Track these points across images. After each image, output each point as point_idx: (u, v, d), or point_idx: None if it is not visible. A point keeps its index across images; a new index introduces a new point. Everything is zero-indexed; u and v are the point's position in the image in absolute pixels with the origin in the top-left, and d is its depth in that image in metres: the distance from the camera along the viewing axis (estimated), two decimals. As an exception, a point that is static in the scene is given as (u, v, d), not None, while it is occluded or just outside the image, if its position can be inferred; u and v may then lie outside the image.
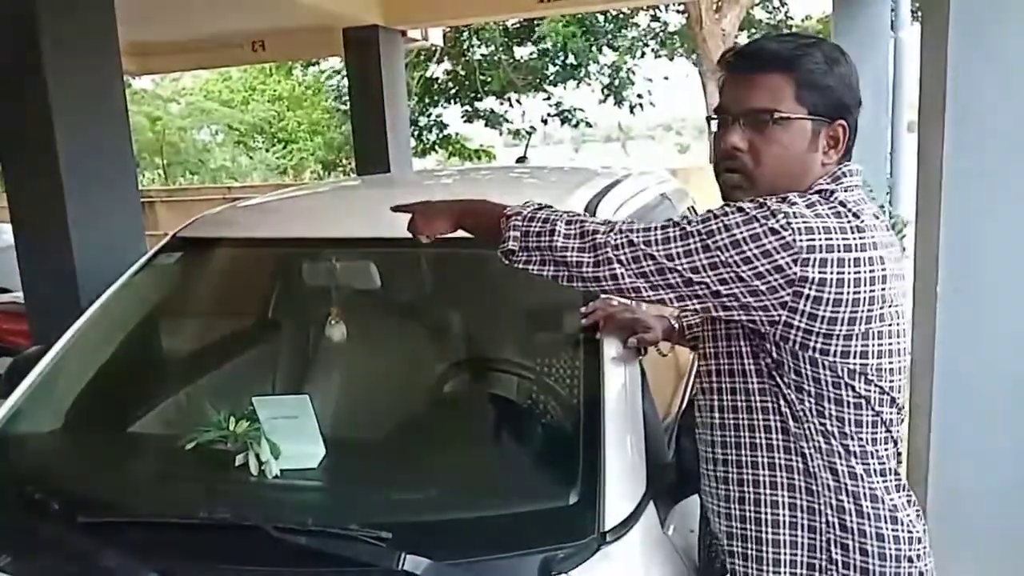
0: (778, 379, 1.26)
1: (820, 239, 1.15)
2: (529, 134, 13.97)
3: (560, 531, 1.34)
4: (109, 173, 3.79)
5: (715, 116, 1.33)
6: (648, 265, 1.22)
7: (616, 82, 13.52)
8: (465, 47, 13.56)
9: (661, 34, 14.02)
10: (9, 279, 5.22)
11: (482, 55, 13.73)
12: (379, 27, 6.97)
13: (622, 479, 1.43)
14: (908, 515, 1.27)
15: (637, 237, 1.24)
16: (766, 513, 1.30)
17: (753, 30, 13.19)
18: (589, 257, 1.26)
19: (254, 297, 2.47)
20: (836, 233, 1.17)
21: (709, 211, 1.24)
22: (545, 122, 14.00)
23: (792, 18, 13.46)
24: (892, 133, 6.15)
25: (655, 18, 13.82)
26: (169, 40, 8.50)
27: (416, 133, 14.03)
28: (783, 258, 1.14)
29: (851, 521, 1.25)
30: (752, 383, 1.30)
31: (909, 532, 1.26)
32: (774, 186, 1.27)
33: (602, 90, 13.66)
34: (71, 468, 1.77)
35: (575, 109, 13.91)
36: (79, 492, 1.57)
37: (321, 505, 1.57)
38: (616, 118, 15.92)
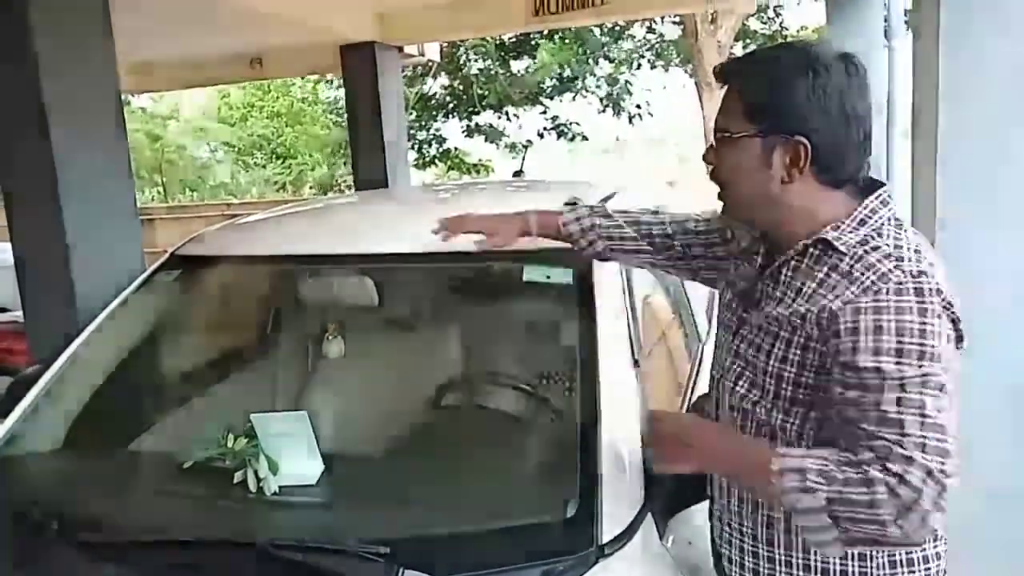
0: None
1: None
2: (525, 148, 14.00)
3: (558, 544, 1.34)
4: (108, 192, 3.80)
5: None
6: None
7: (614, 93, 13.57)
8: (461, 62, 13.62)
9: (657, 45, 14.07)
10: (8, 299, 5.22)
11: (479, 69, 13.79)
12: (375, 43, 7.01)
13: (620, 491, 1.43)
14: None
15: (937, 461, 1.05)
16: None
17: (748, 40, 13.24)
18: (905, 524, 1.05)
19: (252, 314, 2.48)
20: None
21: (903, 339, 1.09)
22: (541, 136, 14.03)
23: (787, 28, 13.51)
24: (887, 140, 6.17)
25: (651, 30, 13.88)
26: (167, 58, 8.55)
27: (415, 147, 14.07)
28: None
29: None
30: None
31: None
32: (738, 206, 1.28)
33: (601, 100, 13.71)
34: (71, 488, 1.77)
35: (571, 123, 13.96)
36: (79, 512, 1.57)
37: (319, 521, 1.58)
38: (613, 130, 15.96)
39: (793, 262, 1.24)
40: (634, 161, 20.94)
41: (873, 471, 1.05)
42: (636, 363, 1.70)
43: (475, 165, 14.81)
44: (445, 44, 11.56)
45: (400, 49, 7.52)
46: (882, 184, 1.26)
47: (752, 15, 12.69)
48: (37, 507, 1.56)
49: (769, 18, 13.37)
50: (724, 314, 1.42)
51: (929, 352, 1.09)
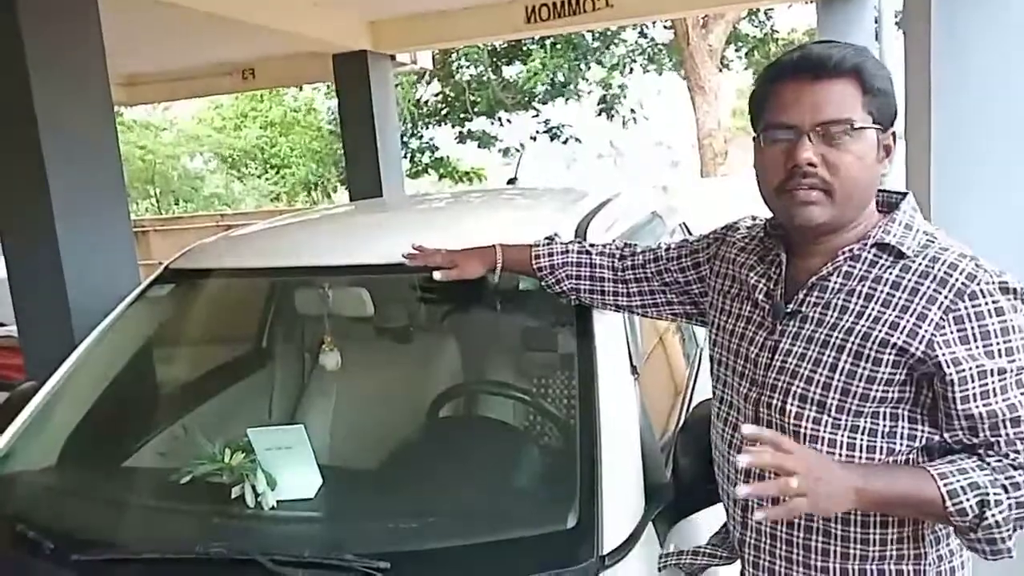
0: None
1: None
2: (519, 151, 14.03)
3: (559, 555, 1.33)
4: (101, 205, 3.79)
5: (777, 130, 1.21)
6: None
7: (608, 96, 13.62)
8: (454, 68, 13.65)
9: (649, 50, 14.11)
10: (3, 313, 5.20)
11: (471, 76, 13.82)
12: (368, 52, 7.02)
13: (620, 501, 1.43)
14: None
15: None
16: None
17: (740, 44, 13.29)
18: None
19: (247, 327, 2.47)
20: None
21: (1011, 338, 1.13)
22: (534, 139, 14.07)
23: (778, 31, 13.57)
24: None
25: (642, 34, 13.92)
26: (159, 70, 8.56)
27: (408, 156, 14.09)
28: None
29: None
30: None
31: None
32: (850, 200, 1.20)
33: (596, 104, 13.76)
34: (66, 505, 1.75)
35: (563, 126, 13.99)
36: (74, 529, 1.56)
37: (318, 535, 1.56)
38: (607, 134, 16.01)
39: (845, 267, 1.23)
40: (629, 165, 20.97)
41: None
42: (635, 370, 1.69)
43: (467, 173, 14.83)
44: (437, 52, 11.59)
45: (392, 57, 7.54)
46: (905, 193, 1.28)
47: (743, 18, 12.74)
48: (32, 525, 1.54)
49: (760, 21, 13.42)
50: (746, 330, 1.34)
51: None
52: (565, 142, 14.37)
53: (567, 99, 13.73)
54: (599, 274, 1.63)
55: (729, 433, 1.38)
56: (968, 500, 1.10)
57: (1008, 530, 1.13)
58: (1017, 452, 1.13)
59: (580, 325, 1.69)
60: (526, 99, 13.79)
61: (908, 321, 1.16)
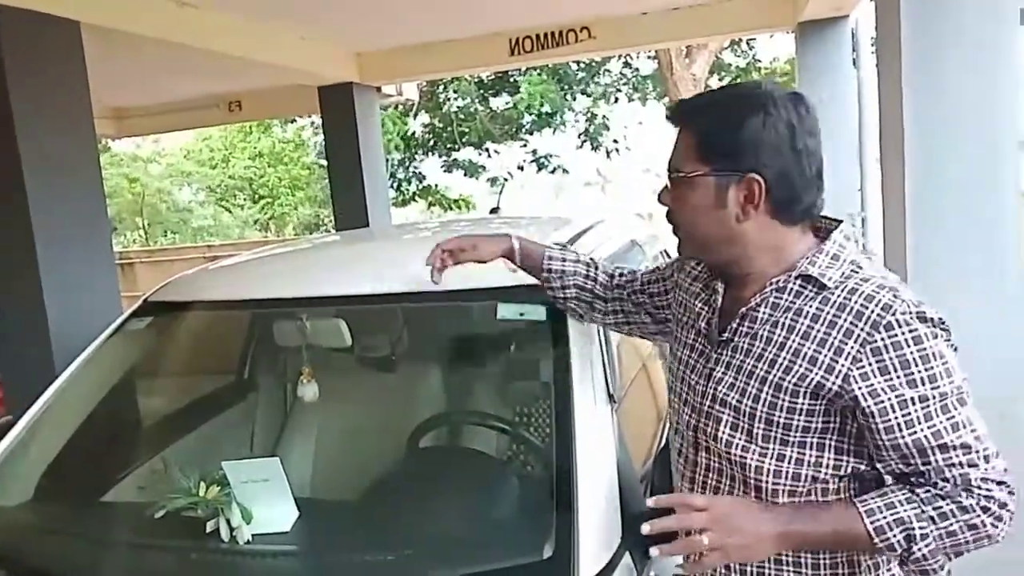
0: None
1: None
2: (503, 184, 14.11)
3: (535, 586, 1.33)
4: (83, 238, 3.79)
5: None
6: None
7: (591, 128, 13.74)
8: (441, 100, 13.76)
9: (634, 79, 14.26)
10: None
11: (458, 107, 13.92)
12: (354, 84, 7.07)
13: (597, 531, 1.42)
14: None
15: (1000, 464, 1.14)
16: None
17: (723, 74, 13.45)
18: (1002, 528, 1.14)
19: (226, 359, 2.46)
20: None
21: (931, 365, 1.13)
22: (521, 169, 14.15)
23: (760, 61, 13.74)
24: (861, 167, 6.26)
25: (627, 65, 14.08)
26: (146, 103, 8.59)
27: (396, 185, 14.14)
28: None
29: None
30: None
31: None
32: (702, 244, 1.26)
33: (579, 136, 13.86)
34: (40, 541, 1.73)
35: (550, 156, 14.10)
36: (47, 566, 1.54)
37: (293, 569, 1.55)
38: (594, 163, 16.12)
39: (772, 298, 1.24)
40: (615, 194, 21.10)
41: (963, 499, 1.12)
42: (612, 399, 1.69)
43: (456, 201, 14.88)
44: (424, 83, 11.69)
45: (378, 89, 7.59)
46: (839, 221, 1.28)
47: (725, 48, 12.90)
48: (6, 562, 1.52)
49: (743, 51, 13.60)
50: (689, 357, 1.36)
51: (952, 367, 1.14)
52: (552, 172, 14.47)
53: (554, 130, 13.85)
54: (599, 292, 1.63)
55: (681, 463, 1.39)
56: (895, 536, 1.12)
57: (936, 561, 1.14)
58: (946, 480, 1.13)
59: (557, 354, 1.69)
60: (513, 130, 13.90)
61: (825, 356, 1.16)
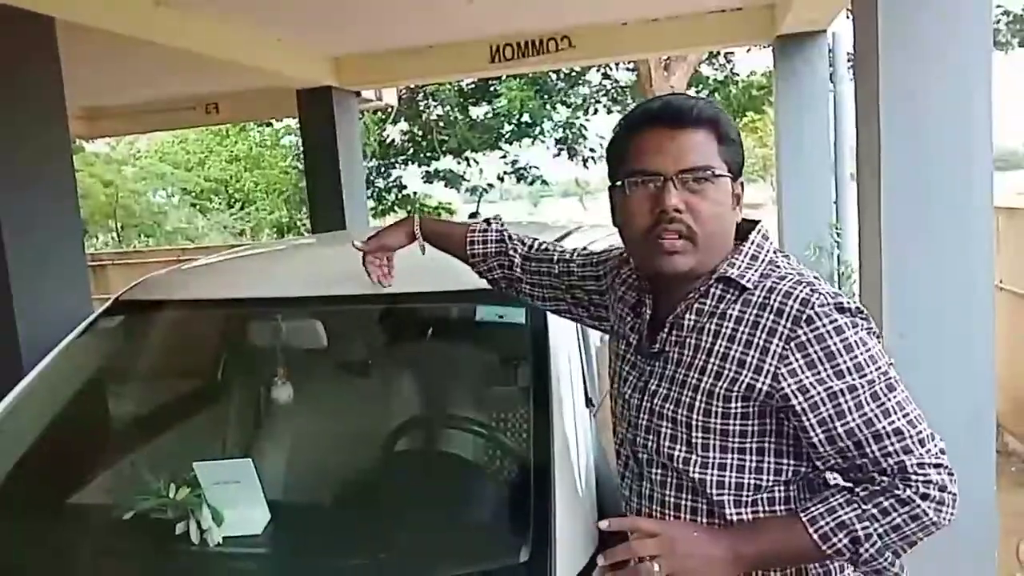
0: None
1: None
2: (482, 192, 14.12)
3: (511, 590, 1.31)
4: (54, 239, 3.73)
5: (642, 177, 1.21)
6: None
7: (568, 137, 13.78)
8: (421, 108, 13.73)
9: (613, 90, 14.33)
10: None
11: (438, 115, 13.91)
12: (332, 88, 7.03)
13: (574, 535, 1.41)
14: None
15: (936, 448, 1.14)
16: None
17: (700, 86, 13.56)
18: (945, 513, 1.14)
19: (198, 360, 2.42)
20: None
21: (855, 354, 1.13)
22: (501, 180, 14.17)
23: (738, 74, 13.89)
24: (836, 181, 6.33)
25: (606, 76, 14.16)
26: (121, 104, 8.47)
27: (375, 194, 14.08)
28: None
29: None
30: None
31: None
32: (712, 246, 1.21)
33: (556, 144, 13.91)
34: (3, 545, 1.68)
35: (530, 167, 14.13)
36: (10, 571, 1.50)
37: (265, 573, 1.52)
38: (573, 173, 16.18)
39: (696, 304, 1.23)
40: (597, 202, 21.20)
41: (901, 491, 1.12)
42: (589, 402, 1.68)
43: (436, 208, 14.85)
44: (404, 90, 11.66)
45: (357, 94, 7.56)
46: (756, 221, 1.30)
47: (703, 61, 13.02)
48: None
49: (721, 64, 13.73)
50: (629, 374, 1.34)
51: (876, 354, 1.15)
52: (532, 183, 14.50)
53: (533, 140, 13.88)
54: (517, 273, 1.57)
55: (632, 481, 1.35)
56: (841, 540, 1.13)
57: (886, 559, 1.15)
58: (884, 472, 1.13)
59: (535, 357, 1.68)
60: (493, 139, 13.90)
61: (753, 357, 1.16)
